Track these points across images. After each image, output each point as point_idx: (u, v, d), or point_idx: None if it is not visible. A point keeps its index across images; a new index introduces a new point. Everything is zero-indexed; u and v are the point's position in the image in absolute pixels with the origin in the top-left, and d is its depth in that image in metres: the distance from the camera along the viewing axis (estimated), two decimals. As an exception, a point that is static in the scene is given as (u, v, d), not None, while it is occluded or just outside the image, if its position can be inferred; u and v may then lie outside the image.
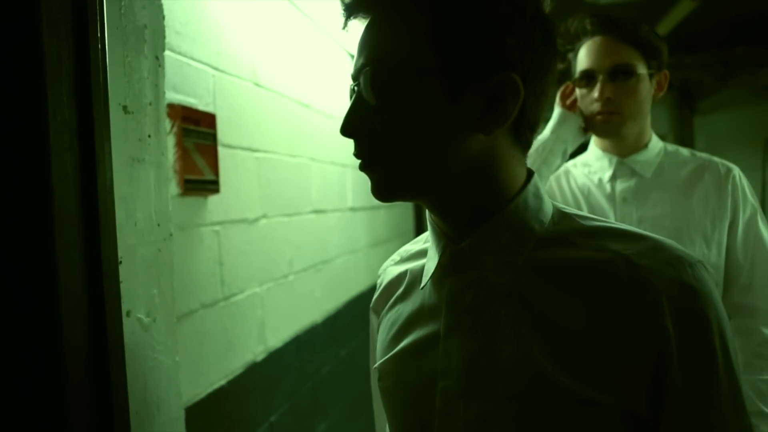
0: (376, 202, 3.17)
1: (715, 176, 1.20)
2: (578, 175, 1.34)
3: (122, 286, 0.86)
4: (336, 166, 2.32)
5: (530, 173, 0.63)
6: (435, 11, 0.54)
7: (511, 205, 0.59)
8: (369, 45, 0.58)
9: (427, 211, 0.65)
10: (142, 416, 0.93)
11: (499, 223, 0.59)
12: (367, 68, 0.56)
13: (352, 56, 2.58)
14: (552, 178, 1.36)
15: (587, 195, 1.29)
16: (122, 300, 0.86)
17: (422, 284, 0.65)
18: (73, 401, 0.75)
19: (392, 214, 3.30)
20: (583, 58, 1.21)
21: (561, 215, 0.62)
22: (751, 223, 1.19)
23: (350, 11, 0.60)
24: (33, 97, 0.72)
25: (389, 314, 0.71)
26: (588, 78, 1.20)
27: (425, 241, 0.72)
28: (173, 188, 1.20)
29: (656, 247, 0.56)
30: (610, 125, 1.20)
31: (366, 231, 2.71)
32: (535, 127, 0.61)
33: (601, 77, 1.18)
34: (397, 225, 3.41)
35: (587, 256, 0.57)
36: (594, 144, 1.33)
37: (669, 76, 1.25)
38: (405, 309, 0.68)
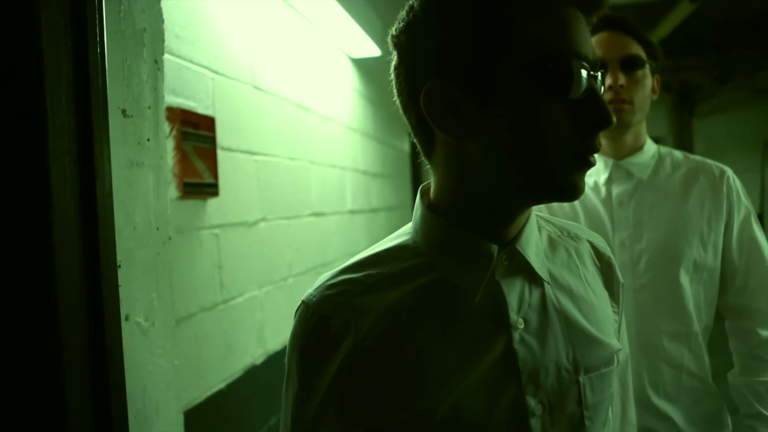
0: (375, 205, 3.17)
1: (709, 178, 1.21)
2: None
3: (121, 289, 0.86)
4: (335, 169, 2.32)
5: None
6: None
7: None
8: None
9: (440, 221, 0.61)
10: (141, 420, 0.92)
11: (531, 222, 0.65)
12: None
13: (352, 59, 2.58)
14: None
15: (582, 199, 1.27)
16: (121, 304, 0.85)
17: (477, 296, 0.59)
18: (72, 405, 0.75)
19: (391, 217, 3.30)
20: None
21: (535, 215, 0.72)
22: (746, 224, 1.20)
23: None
24: (32, 100, 0.72)
25: (392, 353, 0.60)
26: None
27: (374, 264, 0.64)
28: (172, 192, 1.20)
29: (590, 232, 0.75)
30: (622, 114, 1.18)
31: (365, 234, 2.71)
32: None
33: (612, 66, 1.17)
34: (396, 228, 3.41)
35: (573, 244, 0.71)
36: None
37: (661, 81, 1.27)
38: (422, 339, 0.59)
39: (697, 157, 1.27)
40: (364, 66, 2.77)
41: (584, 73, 0.53)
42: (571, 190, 0.56)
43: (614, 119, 0.54)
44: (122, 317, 0.86)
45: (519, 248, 0.61)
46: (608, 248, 0.75)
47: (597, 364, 0.64)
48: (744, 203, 1.21)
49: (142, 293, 0.94)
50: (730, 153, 7.00)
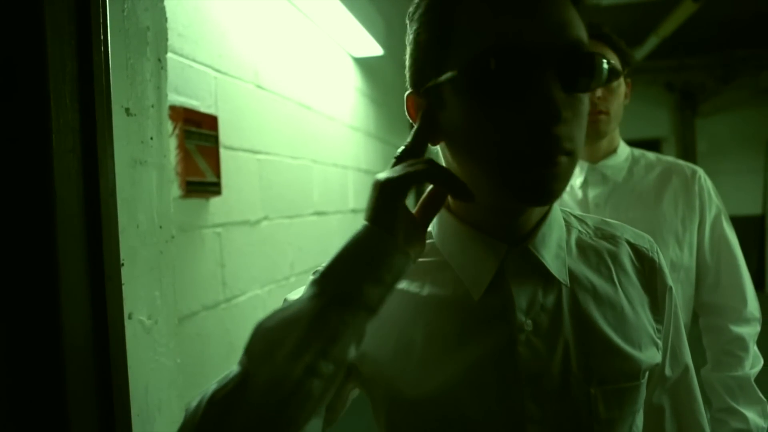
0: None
1: (682, 178, 1.24)
2: None
3: (124, 288, 0.86)
4: (337, 168, 2.32)
5: None
6: None
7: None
8: (570, 29, 0.51)
9: (452, 218, 0.62)
10: (143, 418, 0.93)
11: (551, 221, 0.62)
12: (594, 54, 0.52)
13: (354, 58, 2.57)
14: None
15: (559, 203, 1.30)
16: (124, 302, 0.86)
17: (479, 294, 0.59)
18: (75, 403, 0.75)
19: (394, 216, 3.31)
20: None
21: (564, 212, 0.69)
22: (716, 223, 1.23)
23: None
24: (36, 99, 0.72)
25: (384, 340, 0.61)
26: None
27: None
28: (175, 190, 1.20)
29: (635, 233, 0.70)
30: (599, 125, 1.21)
31: (367, 233, 2.71)
32: None
33: None
34: (398, 227, 3.41)
35: (608, 244, 0.67)
36: None
37: (631, 85, 1.29)
38: (418, 330, 0.60)
39: (670, 158, 1.30)
40: (366, 65, 2.77)
41: (516, 68, 0.49)
42: (528, 193, 0.52)
43: (560, 115, 0.48)
44: (125, 315, 0.86)
45: (532, 248, 0.60)
46: (656, 249, 0.69)
47: (615, 377, 0.59)
48: (715, 202, 1.24)
49: (145, 291, 0.95)
50: (733, 153, 6.99)
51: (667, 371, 0.69)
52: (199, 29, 1.32)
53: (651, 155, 1.30)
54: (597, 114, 1.19)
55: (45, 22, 0.72)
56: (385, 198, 0.55)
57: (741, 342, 1.17)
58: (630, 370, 0.60)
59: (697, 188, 1.23)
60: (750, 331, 1.18)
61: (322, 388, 0.50)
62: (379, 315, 0.55)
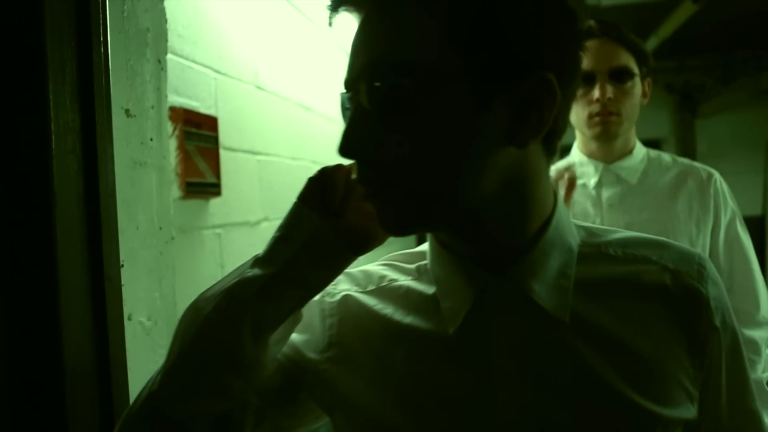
0: (377, 204, 3.13)
1: (697, 181, 1.24)
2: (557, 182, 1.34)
3: (124, 289, 0.86)
4: (337, 169, 2.32)
5: (552, 185, 0.56)
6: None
7: (552, 223, 0.52)
8: (369, 44, 0.48)
9: (434, 240, 0.57)
10: (143, 419, 0.92)
11: (547, 245, 0.52)
12: (371, 72, 0.47)
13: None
14: None
15: (572, 203, 1.29)
16: (124, 303, 0.86)
17: (451, 329, 0.52)
18: (75, 405, 0.75)
19: (394, 217, 3.30)
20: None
21: (582, 229, 0.58)
22: (731, 226, 1.23)
23: (337, 3, 0.54)
24: (35, 100, 0.72)
25: (365, 358, 0.56)
26: (585, 79, 1.20)
27: (387, 268, 0.61)
28: (175, 191, 1.20)
29: (681, 251, 0.57)
30: (609, 126, 1.20)
31: (367, 234, 2.71)
32: (562, 134, 0.53)
33: (600, 78, 1.18)
34: (398, 228, 3.41)
35: (632, 270, 0.54)
36: (578, 149, 1.32)
37: (652, 84, 1.29)
38: (398, 353, 0.54)
39: (686, 161, 1.30)
40: (366, 66, 2.77)
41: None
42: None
43: (346, 147, 0.48)
44: (125, 317, 0.86)
45: (516, 277, 0.51)
46: (706, 277, 0.55)
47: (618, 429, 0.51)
48: (730, 205, 1.24)
49: (145, 293, 0.94)
50: (732, 154, 6.98)
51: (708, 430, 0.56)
52: (198, 30, 1.32)
53: (667, 157, 1.30)
54: (607, 115, 1.19)
55: (45, 23, 0.72)
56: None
57: (754, 346, 1.16)
58: (640, 424, 0.50)
59: (712, 191, 1.23)
60: (763, 335, 1.18)
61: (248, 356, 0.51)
62: (359, 340, 0.56)
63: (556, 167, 1.37)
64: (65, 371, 0.74)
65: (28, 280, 0.73)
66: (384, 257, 0.64)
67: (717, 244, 1.22)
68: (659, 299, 0.53)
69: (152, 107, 0.98)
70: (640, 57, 1.22)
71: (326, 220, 0.54)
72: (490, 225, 0.51)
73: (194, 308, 0.54)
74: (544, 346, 0.51)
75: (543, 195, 0.53)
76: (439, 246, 0.56)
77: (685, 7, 3.86)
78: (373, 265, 0.64)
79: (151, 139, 0.97)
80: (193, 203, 1.29)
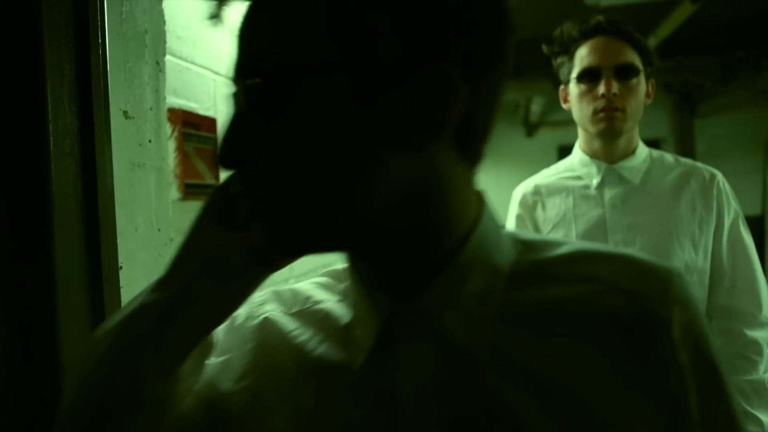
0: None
1: (700, 181, 1.23)
2: (558, 184, 1.30)
3: (123, 291, 0.86)
4: (337, 170, 2.32)
5: (481, 195, 0.47)
6: None
7: (471, 240, 0.44)
8: (245, 37, 0.43)
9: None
10: (142, 422, 0.92)
11: (463, 266, 0.43)
12: (245, 68, 0.41)
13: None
14: (522, 195, 1.33)
15: (575, 202, 1.27)
16: (122, 305, 0.85)
17: (358, 362, 0.45)
18: (74, 407, 0.75)
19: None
20: (586, 55, 1.21)
21: (521, 244, 0.48)
22: (734, 227, 1.22)
23: None
24: (34, 102, 0.72)
25: (273, 394, 0.48)
26: (591, 75, 1.19)
27: (326, 288, 0.54)
28: (174, 193, 1.20)
29: (643, 267, 0.45)
30: (614, 122, 1.19)
31: (367, 235, 2.71)
32: (486, 136, 0.44)
33: (606, 74, 1.18)
34: (397, 228, 3.41)
35: (574, 293, 0.44)
36: (580, 148, 1.30)
37: (655, 85, 1.28)
38: (308, 388, 0.47)
39: (688, 161, 1.30)
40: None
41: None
42: None
43: (224, 157, 0.41)
44: (124, 319, 0.86)
45: (425, 305, 0.43)
46: (671, 296, 0.43)
47: None
48: (733, 206, 1.24)
49: (144, 294, 0.94)
50: (731, 154, 6.98)
51: None
52: (197, 31, 1.32)
53: (670, 157, 1.29)
54: (613, 111, 1.18)
55: (43, 25, 0.72)
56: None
57: (756, 346, 1.16)
58: None
59: (715, 191, 1.22)
60: (765, 335, 1.18)
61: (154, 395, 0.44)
62: (272, 371, 0.48)
63: (543, 174, 1.35)
64: (63, 373, 0.74)
65: (27, 282, 0.73)
66: (324, 270, 0.56)
67: (720, 245, 1.21)
68: (607, 329, 0.42)
69: (151, 109, 0.98)
70: (646, 56, 1.22)
71: (230, 235, 0.46)
72: (391, 244, 0.43)
73: (92, 345, 0.47)
74: (457, 386, 0.42)
75: (459, 207, 0.44)
76: (350, 265, 0.48)
77: (684, 8, 3.86)
78: (306, 282, 0.55)
79: (150, 141, 0.97)
80: (192, 205, 1.29)
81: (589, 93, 1.20)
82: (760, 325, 1.18)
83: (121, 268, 0.86)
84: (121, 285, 0.85)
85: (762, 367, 1.16)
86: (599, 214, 1.23)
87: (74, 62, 0.76)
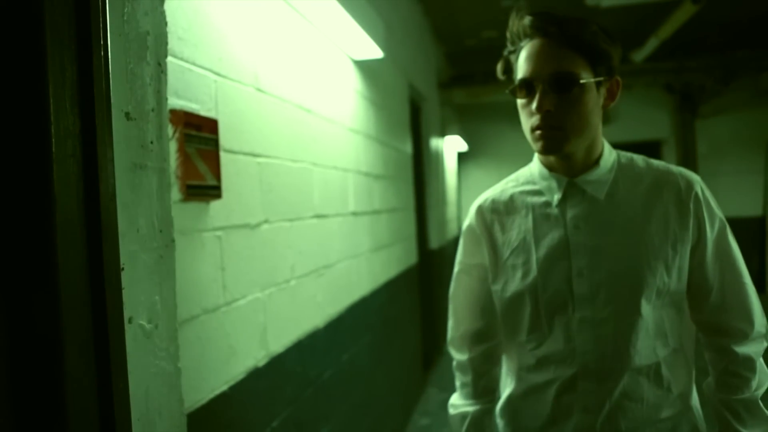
0: (377, 206, 3.15)
1: (675, 192, 1.09)
2: (518, 201, 1.17)
3: (124, 292, 0.86)
4: (338, 171, 2.32)
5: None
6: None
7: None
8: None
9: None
10: (144, 423, 0.92)
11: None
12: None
13: (354, 61, 2.57)
14: (479, 211, 1.21)
15: (534, 224, 1.13)
16: (124, 307, 0.86)
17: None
18: (75, 407, 0.75)
19: (394, 219, 3.30)
20: (522, 64, 1.06)
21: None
22: (719, 239, 1.10)
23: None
24: (36, 103, 0.72)
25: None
26: (527, 88, 1.04)
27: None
28: (175, 194, 1.20)
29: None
30: (551, 141, 1.04)
31: (368, 236, 2.71)
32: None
33: (540, 87, 1.02)
34: (398, 229, 3.41)
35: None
36: (539, 160, 1.16)
37: (621, 82, 1.09)
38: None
39: (661, 165, 1.13)
40: (366, 68, 2.77)
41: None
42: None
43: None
44: (125, 320, 0.86)
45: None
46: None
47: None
48: (717, 216, 1.10)
49: (146, 296, 0.94)
50: (733, 154, 6.99)
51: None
52: (199, 33, 1.32)
53: (640, 161, 1.14)
54: (548, 130, 1.03)
55: (45, 26, 0.72)
56: None
57: (748, 362, 1.08)
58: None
59: (692, 205, 1.08)
60: (757, 349, 1.10)
61: None
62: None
63: (501, 188, 1.23)
64: (66, 374, 0.74)
65: (29, 284, 0.73)
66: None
67: (704, 261, 1.09)
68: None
69: (152, 110, 0.98)
70: (595, 57, 1.03)
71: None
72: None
73: None
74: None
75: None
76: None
77: (685, 8, 3.86)
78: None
79: (152, 142, 0.97)
80: (194, 206, 1.29)
81: (526, 107, 1.06)
82: (751, 340, 1.09)
83: (122, 269, 0.86)
84: (122, 286, 0.85)
85: (754, 383, 1.08)
86: (561, 236, 1.10)
87: (76, 64, 0.76)
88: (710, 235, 1.09)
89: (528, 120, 1.06)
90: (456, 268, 1.27)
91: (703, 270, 1.10)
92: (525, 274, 1.11)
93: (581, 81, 1.02)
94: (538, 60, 1.03)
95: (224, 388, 1.38)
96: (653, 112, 7.05)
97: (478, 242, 1.21)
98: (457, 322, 1.28)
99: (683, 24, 4.12)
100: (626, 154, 1.16)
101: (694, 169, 6.66)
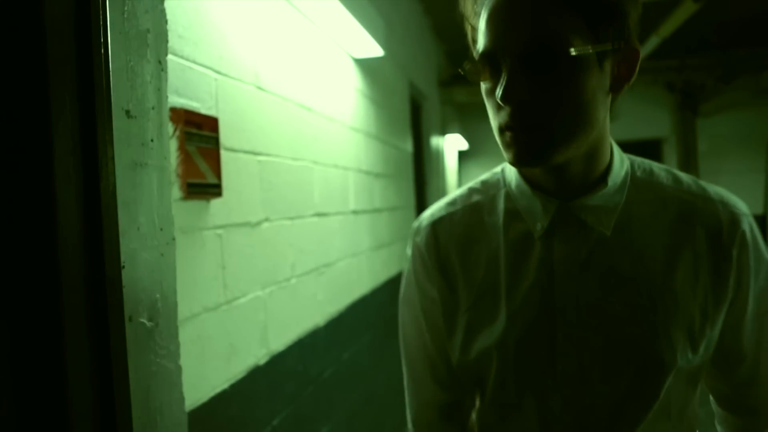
0: (378, 205, 3.14)
1: (712, 230, 0.74)
2: (487, 223, 0.81)
3: (125, 290, 0.86)
4: (338, 169, 2.32)
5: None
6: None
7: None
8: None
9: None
10: (144, 422, 0.92)
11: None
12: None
13: (354, 59, 2.56)
14: (426, 237, 0.84)
15: (506, 262, 0.78)
16: (125, 305, 0.86)
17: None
18: (76, 406, 0.75)
19: (394, 217, 3.30)
20: (483, 30, 0.67)
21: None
22: (764, 297, 0.77)
23: None
24: (36, 101, 0.72)
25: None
26: (490, 66, 0.67)
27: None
28: (176, 192, 1.20)
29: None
30: (528, 148, 0.67)
31: (368, 234, 2.71)
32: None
33: (507, 64, 0.64)
34: (399, 228, 3.41)
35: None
36: (518, 174, 0.79)
37: (639, 54, 0.71)
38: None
39: (693, 185, 0.77)
40: (366, 66, 2.77)
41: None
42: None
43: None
44: (126, 318, 0.86)
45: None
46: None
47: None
48: (765, 262, 0.76)
49: (146, 294, 0.94)
50: (733, 153, 6.98)
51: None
52: (199, 31, 1.32)
53: (663, 176, 0.78)
54: (522, 132, 0.67)
55: (45, 24, 0.72)
56: None
57: None
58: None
59: (736, 251, 0.73)
60: None
61: None
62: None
63: (462, 203, 0.85)
64: (67, 373, 0.74)
65: (29, 282, 0.73)
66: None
67: (740, 323, 0.76)
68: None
69: (153, 108, 0.98)
70: (597, 10, 0.64)
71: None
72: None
73: None
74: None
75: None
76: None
77: (686, 7, 3.85)
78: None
79: (152, 140, 0.97)
80: (194, 204, 1.29)
81: (491, 96, 0.68)
82: None
83: (123, 267, 0.86)
84: (123, 284, 0.85)
85: None
86: (543, 283, 0.75)
87: (76, 61, 0.76)
88: (754, 289, 0.76)
89: (495, 117, 0.69)
90: (403, 312, 0.89)
91: (737, 334, 0.77)
92: (489, 333, 0.77)
93: (573, 51, 0.63)
94: (504, 21, 0.65)
95: (225, 386, 1.38)
96: (654, 111, 7.04)
97: (430, 278, 0.83)
98: (416, 388, 0.89)
99: (684, 22, 4.11)
100: (643, 164, 0.80)
101: (695, 168, 6.70)
